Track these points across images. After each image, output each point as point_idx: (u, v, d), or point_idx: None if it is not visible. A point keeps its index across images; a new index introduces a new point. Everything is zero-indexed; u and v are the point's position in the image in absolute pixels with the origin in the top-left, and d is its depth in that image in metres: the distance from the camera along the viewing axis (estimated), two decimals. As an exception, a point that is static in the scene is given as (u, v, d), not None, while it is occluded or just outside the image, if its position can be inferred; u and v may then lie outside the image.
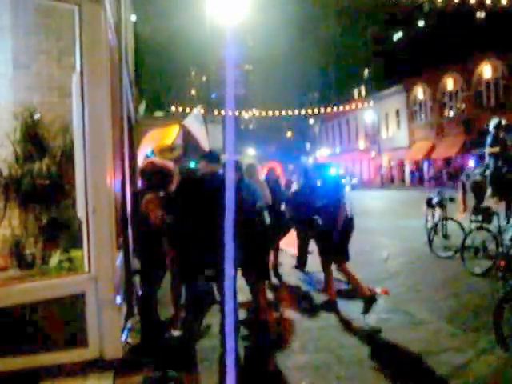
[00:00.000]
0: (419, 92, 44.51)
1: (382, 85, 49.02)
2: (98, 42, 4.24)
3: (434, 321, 5.96)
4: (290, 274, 8.80)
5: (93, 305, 4.31)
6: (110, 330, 4.39)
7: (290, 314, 6.49)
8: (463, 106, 38.90)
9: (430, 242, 10.06)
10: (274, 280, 8.20)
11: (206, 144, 7.77)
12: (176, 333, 5.47)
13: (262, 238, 5.78)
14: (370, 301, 6.11)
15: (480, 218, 8.35)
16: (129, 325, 5.16)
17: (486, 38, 33.73)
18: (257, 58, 60.90)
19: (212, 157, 5.17)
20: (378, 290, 6.87)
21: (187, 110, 33.34)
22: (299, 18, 48.00)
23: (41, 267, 4.44)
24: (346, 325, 5.92)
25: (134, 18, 12.60)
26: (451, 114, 40.75)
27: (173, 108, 38.41)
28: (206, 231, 4.59)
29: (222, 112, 38.55)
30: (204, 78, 55.09)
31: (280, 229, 8.11)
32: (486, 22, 35.26)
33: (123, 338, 4.72)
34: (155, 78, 33.92)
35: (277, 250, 8.64)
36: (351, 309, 6.42)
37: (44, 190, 4.44)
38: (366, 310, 6.07)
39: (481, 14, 36.53)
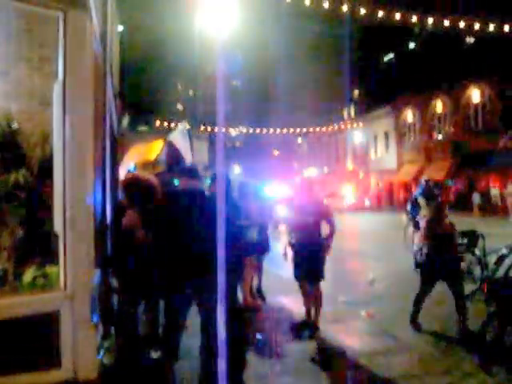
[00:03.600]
0: (408, 114, 44.92)
1: (371, 106, 49.44)
2: (82, 51, 4.12)
3: (419, 344, 5.88)
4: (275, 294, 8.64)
5: (68, 324, 4.13)
6: (85, 349, 4.22)
7: (270, 336, 6.34)
8: (452, 129, 39.31)
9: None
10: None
11: (189, 160, 7.67)
12: (154, 353, 5.29)
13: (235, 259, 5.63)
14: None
15: (466, 241, 8.33)
16: (105, 344, 4.97)
17: (475, 62, 34.32)
18: (245, 74, 61.22)
19: (192, 172, 5.06)
20: (363, 313, 6.77)
21: (172, 124, 33.20)
22: (289, 37, 48.43)
23: (13, 283, 4.26)
24: (330, 348, 5.80)
25: (120, 28, 12.49)
26: (440, 137, 41.13)
27: (158, 122, 38.23)
28: (185, 248, 4.48)
29: (209, 128, 38.52)
30: (191, 93, 55.06)
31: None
32: (475, 47, 35.84)
33: (99, 358, 4.54)
34: (141, 90, 33.78)
35: (259, 270, 8.46)
36: (334, 332, 6.30)
37: (20, 202, 4.28)
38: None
39: (470, 39, 37.12)
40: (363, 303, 7.72)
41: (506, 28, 18.36)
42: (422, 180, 11.87)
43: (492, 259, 8.08)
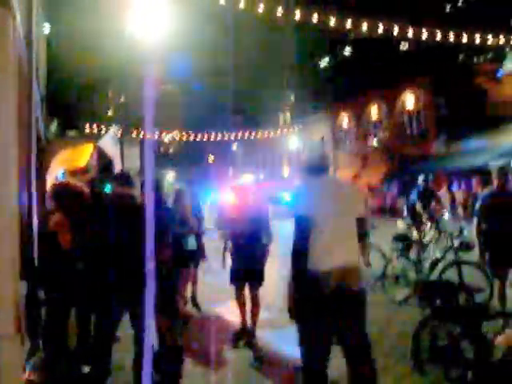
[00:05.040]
0: (344, 119, 45.86)
1: (307, 111, 50.11)
2: (4, 52, 3.87)
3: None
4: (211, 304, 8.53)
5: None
6: (9, 367, 3.95)
7: (206, 345, 6.24)
8: (387, 134, 40.45)
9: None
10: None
11: (119, 166, 7.48)
12: (85, 368, 5.06)
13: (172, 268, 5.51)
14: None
15: (400, 246, 8.54)
16: (32, 361, 4.71)
17: (410, 68, 35.61)
18: (179, 79, 60.66)
19: (124, 178, 4.90)
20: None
21: (103, 130, 32.38)
22: (224, 41, 48.46)
23: None
24: (267, 355, 5.77)
25: (47, 30, 12.02)
26: (375, 142, 42.23)
27: (88, 127, 37.22)
28: (115, 256, 4.34)
29: (141, 133, 37.83)
30: (122, 98, 54.02)
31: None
32: (409, 53, 37.19)
33: (25, 375, 4.29)
34: (70, 94, 32.76)
35: (193, 279, 8.32)
36: (271, 339, 6.27)
37: None
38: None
39: (404, 45, 38.42)
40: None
41: (438, 36, 19.14)
42: (420, 180, 10.71)
43: (426, 263, 8.35)
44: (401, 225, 10.69)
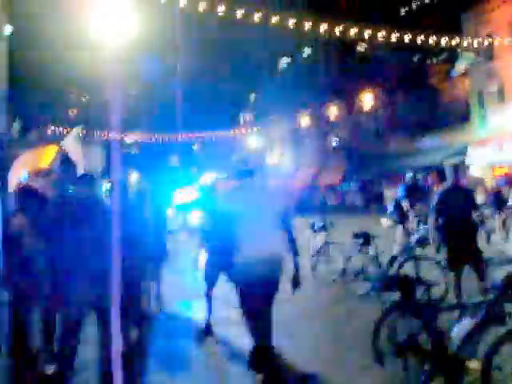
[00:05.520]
0: (305, 119, 46.24)
1: (268, 111, 50.30)
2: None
3: (319, 343, 6.06)
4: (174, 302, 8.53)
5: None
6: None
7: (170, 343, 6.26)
8: (346, 134, 41.10)
9: (314, 267, 10.30)
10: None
11: (82, 167, 7.40)
12: (49, 367, 5.01)
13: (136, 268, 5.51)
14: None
15: (360, 241, 8.73)
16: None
17: (367, 69, 36.31)
18: (144, 81, 60.03)
19: (87, 180, 4.88)
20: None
21: (66, 130, 31.72)
22: (187, 42, 48.21)
23: None
24: (231, 351, 5.84)
25: (8, 30, 11.71)
26: (334, 142, 42.82)
27: (51, 128, 36.39)
28: (79, 257, 4.34)
29: (104, 134, 37.21)
30: (86, 98, 53.09)
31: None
32: (369, 54, 37.88)
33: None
34: (32, 96, 31.99)
35: (157, 277, 8.29)
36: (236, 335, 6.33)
37: None
38: None
39: (361, 47, 39.06)
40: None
41: (394, 37, 19.53)
42: (407, 177, 10.38)
43: (385, 258, 8.58)
44: (385, 222, 10.58)
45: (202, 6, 14.81)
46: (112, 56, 3.26)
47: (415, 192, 10.24)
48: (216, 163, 63.03)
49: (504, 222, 14.02)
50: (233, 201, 4.78)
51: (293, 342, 6.11)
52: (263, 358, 4.62)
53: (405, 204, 9.91)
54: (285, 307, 7.91)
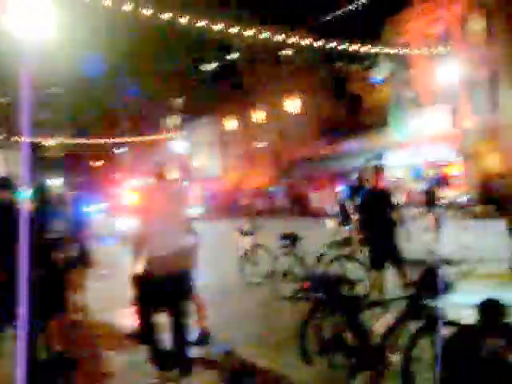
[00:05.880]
0: (231, 123, 46.36)
1: (195, 115, 50.08)
2: None
3: (248, 345, 6.09)
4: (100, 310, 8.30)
5: None
6: None
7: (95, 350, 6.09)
8: (272, 137, 41.60)
9: (242, 269, 10.34)
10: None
11: (1, 170, 7.09)
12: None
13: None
14: None
15: (287, 243, 8.84)
16: None
17: (293, 73, 36.97)
18: (66, 81, 57.92)
19: (2, 183, 4.68)
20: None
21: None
22: (111, 45, 47.08)
23: None
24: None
25: None
26: (261, 145, 43.22)
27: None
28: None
29: (24, 137, 35.58)
30: (6, 100, 50.62)
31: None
32: (293, 58, 38.60)
33: None
34: None
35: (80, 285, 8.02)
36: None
37: None
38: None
39: (287, 52, 39.70)
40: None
41: (319, 43, 20.01)
42: (353, 178, 9.87)
43: (312, 259, 8.73)
44: (329, 224, 10.53)
45: (126, 7, 14.52)
46: (29, 54, 3.14)
47: (359, 193, 10.06)
48: (142, 166, 62.15)
49: (436, 222, 14.51)
50: (146, 201, 5.08)
51: (215, 346, 6.10)
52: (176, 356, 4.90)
53: (348, 205, 9.82)
54: (212, 309, 7.95)
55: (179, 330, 4.93)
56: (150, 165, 5.52)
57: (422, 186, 18.68)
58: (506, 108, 25.64)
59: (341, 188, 10.29)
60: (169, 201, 5.00)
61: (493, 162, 26.91)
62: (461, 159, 25.08)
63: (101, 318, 7.88)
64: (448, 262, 10.11)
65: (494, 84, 26.38)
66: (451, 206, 17.73)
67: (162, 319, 5.02)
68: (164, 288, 4.71)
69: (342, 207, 10.14)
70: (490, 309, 3.56)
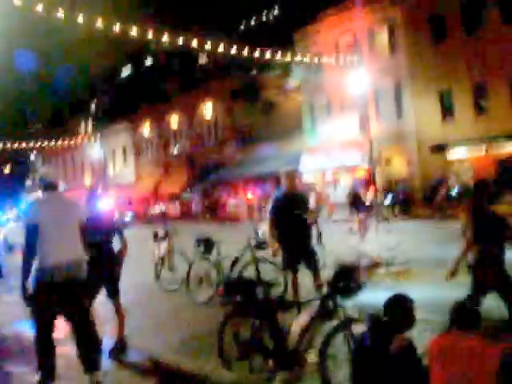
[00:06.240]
0: (145, 129, 45.66)
1: (109, 121, 48.86)
2: None
3: (164, 353, 5.99)
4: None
5: None
6: None
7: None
8: (187, 143, 41.38)
9: (158, 275, 10.17)
10: None
11: None
12: None
13: None
14: None
15: (202, 248, 8.80)
16: None
17: (207, 79, 37.04)
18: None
19: None
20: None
21: None
22: (23, 43, 44.82)
23: None
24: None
25: None
26: (176, 151, 42.85)
27: None
28: None
29: None
30: None
31: None
32: (208, 65, 38.68)
33: None
34: None
35: None
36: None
37: None
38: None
39: (202, 58, 39.69)
40: (106, 321, 7.50)
41: (234, 50, 20.16)
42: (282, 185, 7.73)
43: (228, 263, 8.73)
44: (264, 226, 10.42)
45: (39, 8, 13.90)
46: None
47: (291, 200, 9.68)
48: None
49: (361, 224, 14.96)
50: (37, 210, 4.95)
51: (134, 354, 5.98)
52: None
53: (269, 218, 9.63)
54: (129, 318, 7.76)
55: (81, 339, 4.89)
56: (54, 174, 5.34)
57: (338, 190, 19.14)
58: (409, 115, 27.14)
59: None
60: (60, 212, 4.98)
61: (398, 167, 28.37)
62: (369, 164, 26.12)
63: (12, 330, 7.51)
64: (377, 264, 10.58)
65: (398, 92, 27.84)
66: (372, 207, 18.46)
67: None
68: (58, 296, 4.74)
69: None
70: (395, 305, 3.72)
